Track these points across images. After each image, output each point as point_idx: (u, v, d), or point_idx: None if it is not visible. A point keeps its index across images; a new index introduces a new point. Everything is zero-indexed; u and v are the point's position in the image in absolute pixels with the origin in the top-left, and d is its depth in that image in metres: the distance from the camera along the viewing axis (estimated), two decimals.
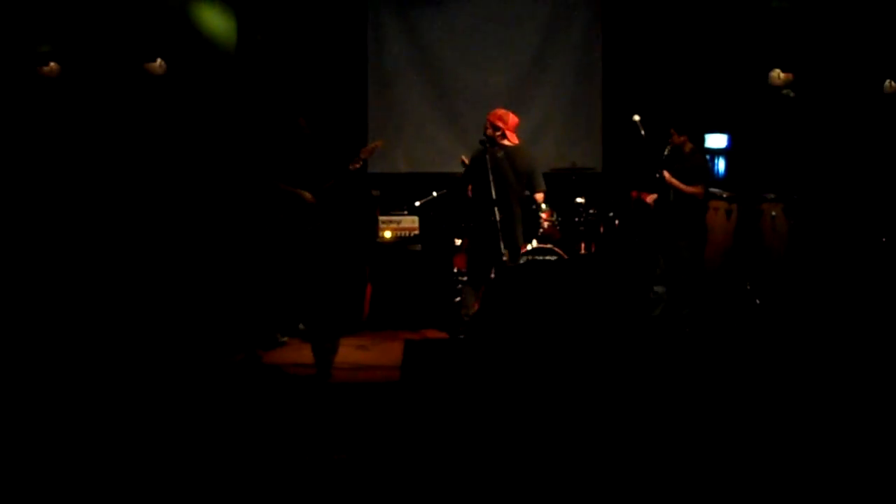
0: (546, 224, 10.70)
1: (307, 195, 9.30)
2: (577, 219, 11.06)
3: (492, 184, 9.14)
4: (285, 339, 9.57)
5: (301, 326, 9.69)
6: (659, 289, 10.09)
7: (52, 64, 11.17)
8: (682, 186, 9.82)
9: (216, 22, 11.77)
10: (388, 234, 11.06)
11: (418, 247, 11.01)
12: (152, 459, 5.87)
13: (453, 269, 10.74)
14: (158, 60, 11.45)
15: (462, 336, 9.33)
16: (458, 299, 10.04)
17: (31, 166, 11.00)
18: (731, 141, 13.06)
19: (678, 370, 8.34)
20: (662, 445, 6.15)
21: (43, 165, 11.05)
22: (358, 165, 9.44)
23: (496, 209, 9.07)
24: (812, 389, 7.60)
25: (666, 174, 9.88)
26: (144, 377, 7.74)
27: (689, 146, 10.03)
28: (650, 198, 10.27)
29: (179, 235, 10.95)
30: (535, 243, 10.43)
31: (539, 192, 9.76)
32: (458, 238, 10.89)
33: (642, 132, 10.05)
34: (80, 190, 11.08)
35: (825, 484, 5.60)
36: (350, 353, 9.25)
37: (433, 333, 10.43)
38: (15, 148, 11.00)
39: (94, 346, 8.67)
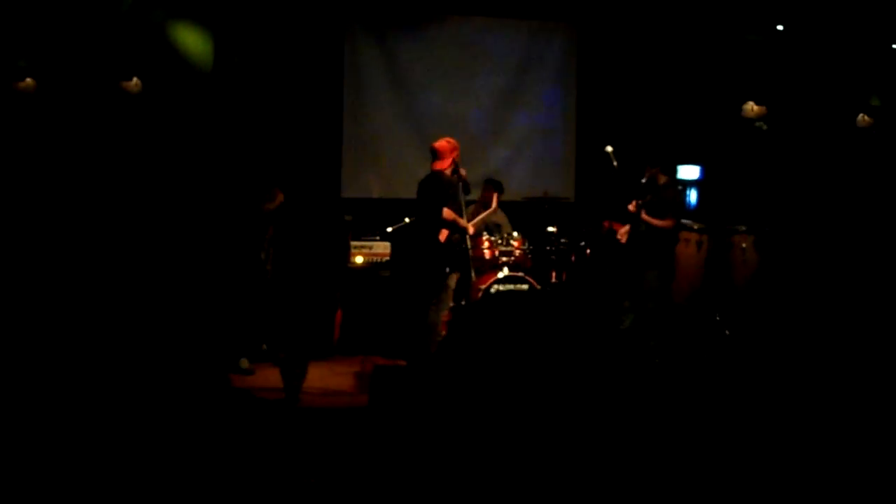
0: (517, 252, 10.74)
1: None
2: (548, 247, 11.11)
3: (463, 211, 9.25)
4: (250, 367, 9.53)
5: (264, 347, 9.70)
6: (627, 319, 10.11)
7: (28, 80, 11.13)
8: (654, 221, 9.87)
9: (193, 42, 11.77)
10: (359, 260, 11.06)
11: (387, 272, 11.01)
12: (121, 483, 5.86)
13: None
14: (134, 79, 11.42)
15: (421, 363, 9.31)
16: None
17: (5, 182, 10.95)
18: (703, 172, 13.13)
19: (646, 399, 8.36)
20: (629, 474, 6.18)
21: (17, 181, 11.00)
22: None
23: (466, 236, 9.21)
24: (780, 419, 7.63)
25: (642, 212, 9.92)
26: (114, 400, 7.70)
27: (662, 178, 10.08)
28: (622, 230, 10.31)
29: (153, 255, 10.92)
30: (506, 271, 10.47)
31: None
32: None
33: (615, 163, 10.11)
34: (54, 206, 11.04)
35: None
36: (319, 377, 9.24)
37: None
38: None
39: (64, 374, 8.63)
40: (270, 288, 9.52)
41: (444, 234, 9.34)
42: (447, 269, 9.27)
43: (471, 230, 9.68)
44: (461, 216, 9.42)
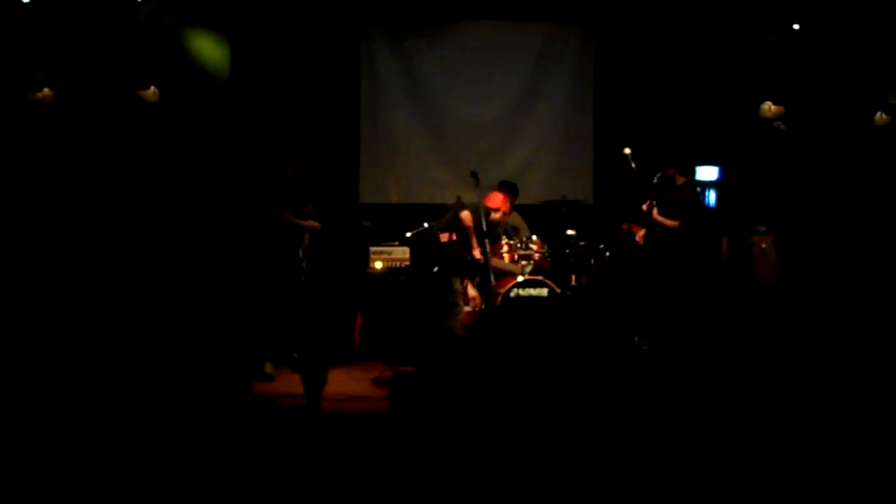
0: (537, 256, 10.73)
1: (312, 224, 9.38)
2: (567, 251, 11.07)
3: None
4: (273, 372, 9.52)
5: (295, 356, 9.68)
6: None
7: (45, 90, 11.17)
8: (666, 221, 9.86)
9: (210, 50, 11.79)
10: (378, 265, 11.04)
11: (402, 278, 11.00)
12: (140, 488, 5.87)
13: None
14: (152, 88, 11.45)
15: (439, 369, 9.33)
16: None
17: (24, 192, 10.99)
18: (721, 173, 13.08)
19: (666, 402, 8.34)
20: (649, 476, 6.16)
21: (36, 191, 11.04)
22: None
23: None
24: (802, 415, 7.61)
25: (654, 212, 9.92)
26: (135, 405, 7.72)
27: (680, 179, 10.06)
28: (640, 233, 10.30)
29: (172, 262, 10.94)
30: (526, 275, 10.47)
31: None
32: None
33: (633, 165, 10.10)
34: (72, 215, 11.07)
35: None
36: (339, 383, 9.23)
37: None
38: (7, 173, 10.99)
39: (77, 376, 8.65)
40: (303, 295, 9.52)
41: (444, 237, 9.41)
42: (435, 269, 9.34)
43: (477, 254, 9.81)
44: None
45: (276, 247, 9.45)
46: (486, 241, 9.58)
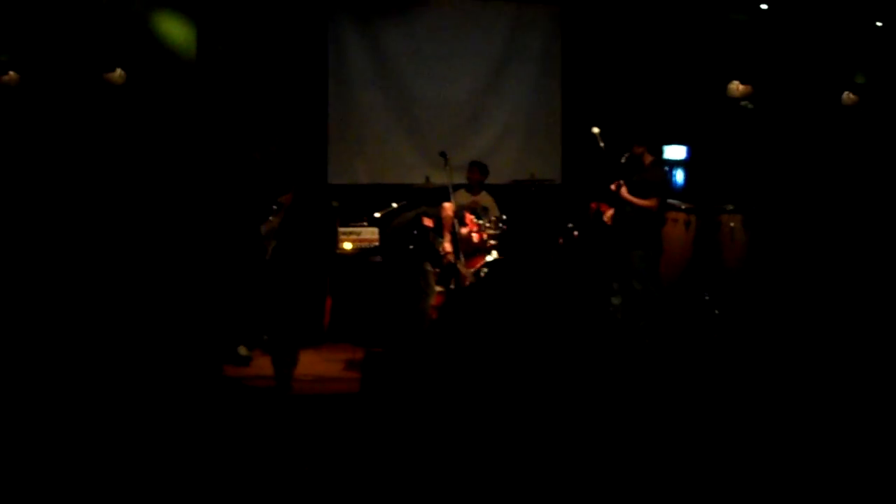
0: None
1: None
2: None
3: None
4: (248, 354, 9.50)
5: (265, 338, 9.66)
6: (615, 300, 10.15)
7: (10, 73, 11.08)
8: (637, 200, 9.88)
9: (176, 32, 11.73)
10: (348, 246, 11.03)
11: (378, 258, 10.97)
12: (111, 475, 5.85)
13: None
14: (118, 70, 11.38)
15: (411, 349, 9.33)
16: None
17: None
18: (689, 152, 13.14)
19: (638, 380, 8.36)
20: (624, 458, 6.18)
21: (1, 177, 10.96)
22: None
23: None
24: (770, 399, 7.65)
25: (623, 190, 9.95)
26: (105, 391, 7.68)
27: (648, 158, 10.08)
28: (609, 212, 10.33)
29: (139, 247, 10.88)
30: (495, 255, 10.47)
31: None
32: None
33: (601, 144, 10.12)
34: (40, 200, 11.00)
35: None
36: (310, 365, 9.23)
37: None
38: None
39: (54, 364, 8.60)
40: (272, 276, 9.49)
41: (428, 221, 9.43)
42: (410, 247, 9.39)
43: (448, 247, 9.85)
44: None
45: (240, 228, 9.42)
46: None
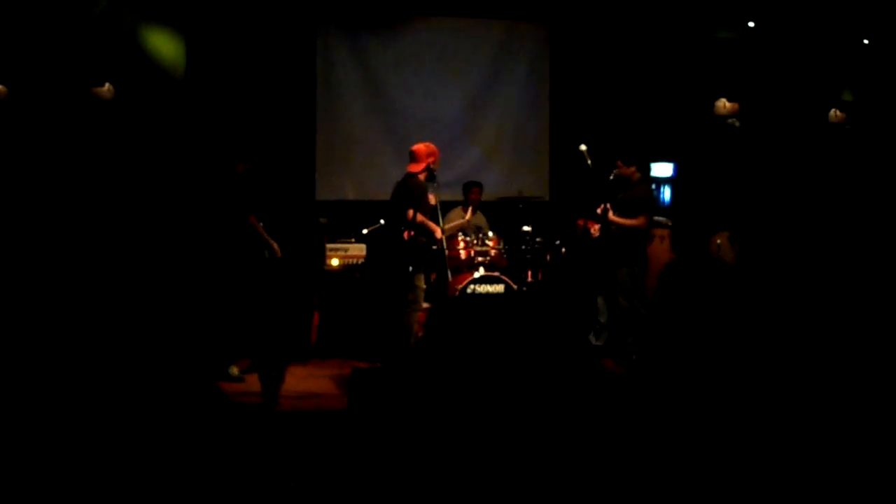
0: (493, 252, 10.76)
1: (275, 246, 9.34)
2: (523, 247, 11.12)
3: (438, 216, 9.41)
4: (238, 374, 9.43)
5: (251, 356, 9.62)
6: (602, 318, 10.20)
7: None
8: (624, 221, 9.92)
9: (165, 47, 11.74)
10: (335, 262, 11.02)
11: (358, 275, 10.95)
12: (97, 491, 5.85)
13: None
14: (107, 85, 11.38)
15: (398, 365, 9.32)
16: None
17: None
18: (676, 170, 13.18)
19: (623, 397, 8.38)
20: (608, 474, 6.20)
21: None
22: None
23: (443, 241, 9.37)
24: (757, 413, 7.66)
25: (609, 213, 9.98)
26: (91, 410, 7.67)
27: (636, 176, 10.11)
28: (595, 227, 10.35)
29: (127, 260, 10.87)
30: (482, 271, 10.48)
31: None
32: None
33: (589, 161, 10.14)
34: (26, 212, 10.98)
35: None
36: (297, 381, 9.22)
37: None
38: None
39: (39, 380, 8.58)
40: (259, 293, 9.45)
41: (406, 235, 9.40)
42: (410, 269, 9.35)
43: (438, 234, 9.73)
44: (434, 220, 9.54)
45: (241, 248, 9.37)
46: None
